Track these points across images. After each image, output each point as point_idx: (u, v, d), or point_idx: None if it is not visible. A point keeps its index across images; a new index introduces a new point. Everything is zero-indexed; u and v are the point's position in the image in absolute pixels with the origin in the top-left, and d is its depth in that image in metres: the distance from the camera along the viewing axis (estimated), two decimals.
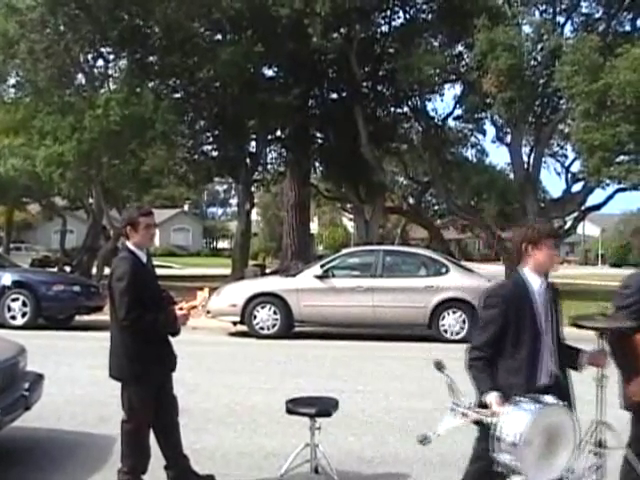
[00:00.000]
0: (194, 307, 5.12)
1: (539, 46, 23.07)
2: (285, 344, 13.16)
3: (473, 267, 18.02)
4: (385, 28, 27.13)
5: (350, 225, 53.07)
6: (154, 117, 21.79)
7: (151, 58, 25.34)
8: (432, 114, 28.61)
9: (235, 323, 14.38)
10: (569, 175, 29.00)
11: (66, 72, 24.32)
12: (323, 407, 5.36)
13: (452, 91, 43.81)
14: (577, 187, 27.17)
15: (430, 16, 26.19)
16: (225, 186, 72.00)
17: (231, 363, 11.17)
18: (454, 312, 13.91)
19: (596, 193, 25.93)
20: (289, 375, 9.87)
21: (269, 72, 27.76)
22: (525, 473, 3.38)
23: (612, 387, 4.40)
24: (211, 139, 29.16)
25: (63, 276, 20.55)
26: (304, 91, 25.52)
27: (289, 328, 14.18)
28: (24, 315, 14.30)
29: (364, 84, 27.02)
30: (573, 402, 3.98)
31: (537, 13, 25.04)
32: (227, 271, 27.84)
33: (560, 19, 25.45)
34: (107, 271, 7.00)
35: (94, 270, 25.98)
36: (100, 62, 25.87)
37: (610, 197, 26.42)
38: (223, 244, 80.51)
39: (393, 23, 26.89)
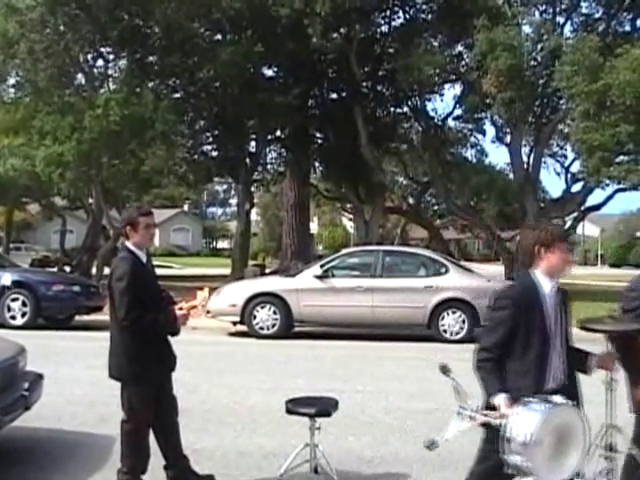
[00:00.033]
0: (194, 307, 5.12)
1: (539, 46, 23.07)
2: (285, 344, 13.16)
3: (473, 267, 18.01)
4: (385, 28, 27.14)
5: (350, 225, 53.07)
6: (154, 117, 21.79)
7: (151, 58, 25.34)
8: (432, 114, 28.63)
9: (235, 323, 14.38)
10: (569, 175, 29.00)
11: (66, 72, 24.32)
12: (323, 407, 5.37)
13: (452, 91, 43.86)
14: (577, 187, 27.18)
15: (430, 16, 26.19)
16: (225, 186, 72.04)
17: (231, 363, 11.17)
18: (454, 312, 13.91)
19: (596, 193, 25.95)
20: (289, 375, 9.87)
21: (269, 72, 27.80)
22: (536, 474, 3.36)
23: (622, 390, 4.38)
24: (211, 139, 29.16)
25: (63, 276, 20.55)
26: (304, 91, 25.53)
27: (289, 328, 14.18)
28: (24, 315, 14.30)
29: (364, 84, 27.03)
30: (581, 405, 3.96)
31: (537, 13, 25.06)
32: (227, 271, 27.84)
33: (560, 19, 25.47)
34: (107, 271, 7.00)
35: (94, 270, 25.98)
36: (100, 62, 25.94)
37: (610, 197, 26.45)
38: (223, 244, 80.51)
39: (393, 23, 26.92)
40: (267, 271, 27.43)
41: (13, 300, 14.34)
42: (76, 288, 15.14)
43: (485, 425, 3.67)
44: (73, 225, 46.06)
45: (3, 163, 24.39)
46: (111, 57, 26.00)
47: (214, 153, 29.14)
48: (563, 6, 25.54)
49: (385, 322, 14.05)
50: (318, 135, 29.69)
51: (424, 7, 26.48)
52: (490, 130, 28.59)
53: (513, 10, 23.39)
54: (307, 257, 26.46)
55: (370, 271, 14.37)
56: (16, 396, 5.57)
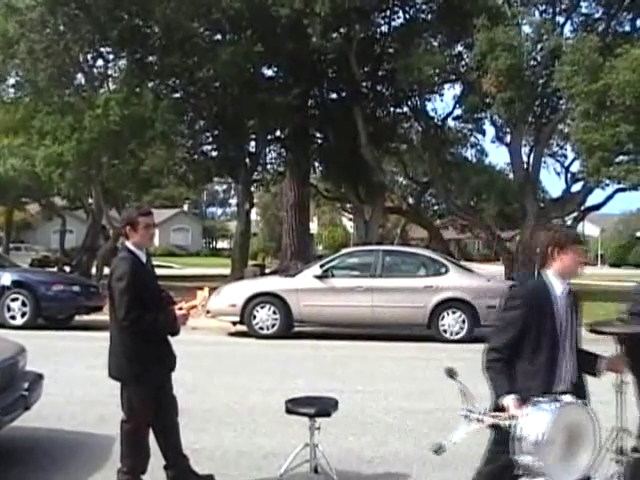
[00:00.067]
0: (194, 307, 5.12)
1: (539, 46, 23.06)
2: (284, 344, 13.16)
3: (473, 267, 18.02)
4: (385, 28, 27.13)
5: (349, 225, 53.12)
6: (154, 117, 21.79)
7: (151, 58, 25.34)
8: (432, 114, 28.63)
9: (235, 323, 14.38)
10: (569, 175, 29.01)
11: (66, 72, 24.32)
12: (322, 407, 5.37)
13: (452, 91, 43.90)
14: (577, 187, 27.18)
15: (430, 16, 26.19)
16: (225, 186, 72.00)
17: (230, 363, 11.18)
18: (453, 312, 13.91)
19: (595, 193, 25.96)
20: (288, 375, 9.87)
21: (269, 72, 27.80)
22: (548, 473, 3.34)
23: (632, 393, 4.36)
24: (211, 139, 29.16)
25: (62, 276, 20.56)
26: (304, 91, 25.52)
27: (288, 328, 14.18)
28: (24, 315, 14.31)
29: (364, 84, 27.02)
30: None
31: (537, 13, 25.06)
32: (227, 271, 27.83)
33: (560, 19, 25.47)
34: (107, 271, 7.00)
35: (94, 270, 25.99)
36: (100, 62, 25.95)
37: (609, 197, 26.45)
38: (222, 244, 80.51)
39: (393, 23, 26.92)
40: (267, 271, 27.43)
41: (13, 300, 14.34)
42: (76, 288, 15.14)
43: (494, 426, 3.65)
44: (73, 225, 46.07)
45: (3, 163, 24.40)
46: (111, 57, 26.01)
47: (214, 153, 29.14)
48: (563, 6, 25.54)
49: (385, 322, 14.05)
50: (318, 135, 29.69)
51: (424, 7, 26.48)
52: (490, 130, 28.64)
53: (513, 10, 23.38)
54: (307, 257, 26.46)
55: (370, 271, 14.37)
56: (16, 396, 5.57)
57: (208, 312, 14.00)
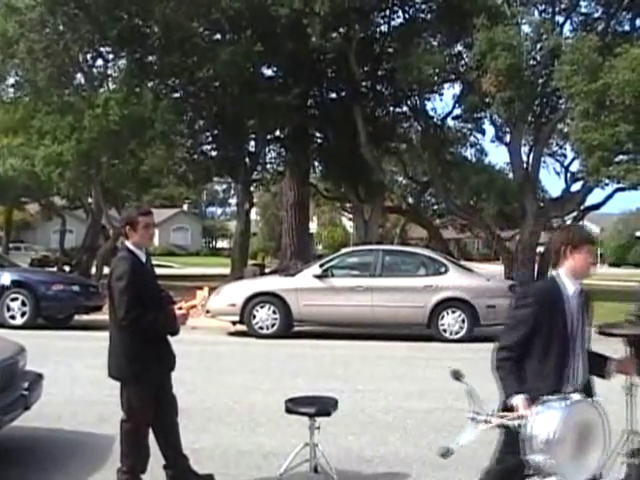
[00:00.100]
0: (193, 307, 5.12)
1: (538, 46, 23.06)
2: (284, 344, 13.16)
3: (472, 267, 18.03)
4: (384, 28, 27.12)
5: (349, 225, 53.07)
6: (153, 117, 21.79)
7: (150, 58, 25.33)
8: (431, 114, 28.62)
9: (234, 323, 14.39)
10: (568, 175, 29.01)
11: (65, 72, 24.31)
12: (322, 407, 5.37)
13: (451, 91, 43.87)
14: (576, 187, 27.17)
15: (429, 16, 26.19)
16: (224, 186, 71.86)
17: (230, 363, 11.18)
18: (453, 312, 13.91)
19: (595, 193, 25.97)
20: (288, 375, 9.87)
21: (268, 72, 27.79)
22: (559, 472, 3.31)
23: None
24: (210, 139, 29.15)
25: (62, 276, 20.57)
26: (303, 91, 25.52)
27: (288, 328, 14.19)
28: (23, 315, 14.31)
29: (363, 84, 27.02)
30: None
31: (536, 13, 25.04)
32: (226, 271, 27.83)
33: (559, 19, 25.46)
34: (106, 271, 7.00)
35: (93, 270, 25.99)
36: (99, 62, 25.93)
37: (609, 197, 26.47)
38: (222, 244, 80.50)
39: (392, 23, 26.90)
40: (266, 271, 27.43)
41: (13, 300, 14.35)
42: (75, 288, 15.15)
43: (503, 427, 3.61)
44: (72, 225, 46.05)
45: (2, 163, 24.40)
46: (110, 57, 26.00)
47: (213, 153, 29.13)
48: (562, 5, 25.53)
49: (385, 322, 14.05)
50: (317, 135, 29.69)
51: (423, 7, 26.48)
52: (489, 129, 28.62)
53: (512, 10, 23.38)
54: (306, 257, 26.46)
55: (370, 271, 14.37)
56: (16, 396, 5.57)
57: (208, 312, 14.00)
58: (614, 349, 4.38)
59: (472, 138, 30.48)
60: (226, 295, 14.48)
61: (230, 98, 24.63)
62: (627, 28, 25.10)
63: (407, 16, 26.64)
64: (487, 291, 14.18)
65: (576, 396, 3.52)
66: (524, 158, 26.88)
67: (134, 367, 4.87)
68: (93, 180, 23.60)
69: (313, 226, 52.65)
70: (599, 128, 20.23)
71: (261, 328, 13.98)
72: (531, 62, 23.13)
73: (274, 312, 14.01)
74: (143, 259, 5.01)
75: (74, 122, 21.72)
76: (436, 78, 25.26)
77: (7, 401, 5.43)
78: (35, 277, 15.35)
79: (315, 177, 33.56)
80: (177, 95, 26.25)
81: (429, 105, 44.56)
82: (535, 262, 26.80)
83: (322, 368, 10.61)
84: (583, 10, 26.05)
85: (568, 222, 29.33)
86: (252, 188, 30.51)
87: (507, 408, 3.66)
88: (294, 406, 5.38)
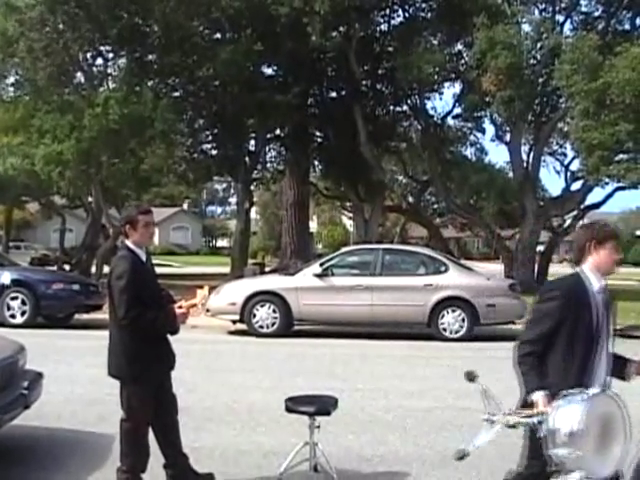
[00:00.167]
0: (193, 306, 5.11)
1: (538, 45, 23.10)
2: (284, 343, 13.15)
3: (472, 266, 18.03)
4: (384, 27, 27.16)
5: (349, 224, 53.06)
6: (153, 116, 21.79)
7: (150, 57, 25.34)
8: (431, 113, 28.69)
9: (234, 322, 14.38)
10: (568, 174, 29.06)
11: (65, 71, 24.31)
12: (322, 406, 5.36)
13: (451, 90, 43.88)
14: (576, 186, 27.23)
15: (429, 15, 26.21)
16: (224, 185, 71.92)
17: (230, 362, 11.18)
18: (453, 311, 13.90)
19: (595, 192, 26.04)
20: (288, 374, 9.87)
21: (268, 71, 27.80)
22: (585, 465, 3.25)
23: None
24: (210, 138, 29.17)
25: (62, 275, 20.54)
26: (303, 90, 25.53)
27: (288, 327, 14.18)
28: (23, 314, 14.29)
29: (363, 83, 27.04)
30: None
31: (536, 12, 25.10)
32: (226, 270, 27.83)
33: (559, 18, 25.50)
34: (106, 270, 6.99)
35: (93, 269, 25.99)
36: (99, 61, 25.94)
37: (609, 196, 26.51)
38: (222, 243, 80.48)
39: (392, 22, 26.95)
40: (267, 270, 27.43)
41: (13, 299, 14.33)
42: (75, 287, 15.13)
43: (521, 425, 3.51)
44: (72, 224, 46.06)
45: (2, 162, 24.39)
46: (110, 56, 26.01)
47: (214, 152, 29.15)
48: (563, 5, 25.57)
49: (385, 320, 14.04)
50: (318, 134, 29.71)
51: (423, 6, 26.50)
52: (490, 129, 28.67)
53: (513, 9, 23.41)
54: (306, 256, 26.47)
55: (370, 270, 14.36)
56: (16, 395, 5.57)
57: (208, 311, 13.98)
58: (634, 351, 4.34)
59: (472, 137, 30.56)
60: (226, 294, 14.46)
61: (230, 97, 24.64)
62: (627, 27, 25.13)
63: (407, 15, 26.67)
64: (487, 290, 14.17)
65: (595, 389, 3.48)
66: (524, 157, 26.93)
67: (134, 366, 4.86)
68: (93, 179, 23.60)
69: (313, 225, 52.65)
70: (599, 127, 20.25)
71: (261, 327, 13.97)
72: (531, 61, 23.17)
73: (274, 311, 14.00)
74: (143, 258, 5.01)
75: (74, 121, 21.72)
76: (436, 77, 25.29)
77: (7, 400, 5.42)
78: (35, 276, 15.33)
79: (315, 176, 33.58)
80: (177, 94, 26.27)
81: (429, 104, 44.70)
82: (535, 261, 26.84)
83: (322, 367, 10.60)
84: (583, 9, 26.13)
85: (568, 221, 29.39)
86: (252, 187, 30.54)
87: (527, 404, 3.61)
88: (294, 405, 5.37)
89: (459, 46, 26.14)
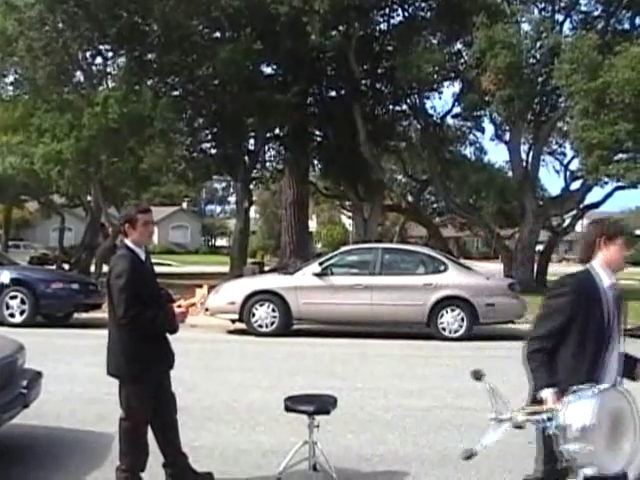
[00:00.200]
0: (193, 305, 5.11)
1: (538, 44, 23.08)
2: (284, 342, 13.15)
3: (472, 265, 18.03)
4: (384, 26, 27.15)
5: (349, 223, 53.05)
6: (153, 115, 21.78)
7: (150, 56, 25.33)
8: (431, 112, 28.68)
9: (234, 321, 14.37)
10: (568, 173, 29.06)
11: (64, 70, 24.30)
12: (322, 405, 5.36)
13: (451, 89, 43.77)
14: (576, 185, 27.22)
15: (429, 14, 26.21)
16: (224, 184, 71.96)
17: (229, 361, 11.17)
18: (453, 310, 13.90)
19: (595, 191, 26.05)
20: (287, 373, 9.87)
21: (268, 70, 27.80)
22: (597, 460, 3.23)
23: None
24: (210, 137, 29.16)
25: (61, 274, 20.54)
26: (303, 89, 25.52)
27: (288, 326, 14.18)
28: (22, 313, 14.29)
29: (363, 82, 27.03)
30: None
31: (536, 11, 25.08)
32: (225, 269, 27.83)
33: (559, 17, 25.48)
34: (105, 269, 6.99)
35: (92, 268, 25.98)
36: (99, 60, 25.93)
37: (609, 195, 26.50)
38: (221, 242, 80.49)
39: (392, 21, 26.94)
40: (266, 269, 27.43)
41: (12, 298, 14.33)
42: (75, 286, 15.13)
43: (531, 422, 3.48)
44: (72, 223, 46.07)
45: (2, 161, 24.38)
46: (110, 55, 26.00)
47: (213, 151, 29.15)
48: (562, 4, 25.56)
49: (384, 320, 14.04)
50: (317, 133, 29.71)
51: (423, 5, 26.49)
52: (489, 128, 28.66)
53: (512, 8, 23.40)
54: (306, 255, 26.47)
55: (369, 269, 14.36)
56: (15, 394, 5.56)
57: (207, 310, 13.98)
58: None
59: (471, 136, 30.57)
60: (225, 293, 14.46)
61: (229, 96, 24.63)
62: (627, 26, 25.12)
63: (407, 14, 26.66)
64: (486, 289, 14.18)
65: (605, 385, 3.46)
66: (523, 156, 26.93)
67: (133, 365, 4.86)
68: (92, 178, 23.59)
69: (312, 224, 52.67)
70: (599, 126, 20.25)
71: (260, 326, 13.97)
72: (531, 60, 23.16)
73: (273, 310, 14.00)
74: (142, 257, 5.01)
75: (73, 120, 21.71)
76: (435, 76, 25.28)
77: (6, 399, 5.42)
78: (34, 275, 15.33)
79: (314, 175, 33.58)
80: (176, 93, 26.27)
81: (428, 103, 44.71)
82: (534, 261, 26.85)
83: (321, 366, 10.60)
84: (583, 8, 26.12)
85: (567, 220, 29.40)
86: (251, 186, 30.54)
87: (536, 401, 3.59)
88: (293, 404, 5.37)
89: (458, 45, 26.14)
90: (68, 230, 42.47)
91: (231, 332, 14.50)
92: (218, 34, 26.15)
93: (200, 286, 5.22)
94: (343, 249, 16.43)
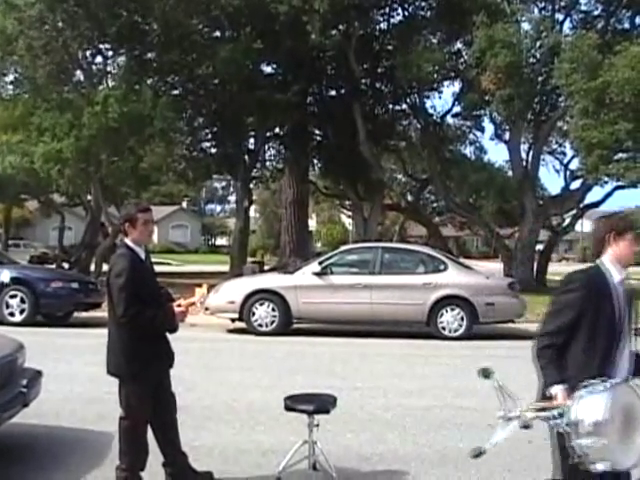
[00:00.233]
0: (192, 304, 5.11)
1: (538, 43, 23.07)
2: (283, 341, 13.16)
3: (471, 264, 18.03)
4: (384, 25, 27.15)
5: (348, 222, 53.04)
6: (153, 114, 21.78)
7: (149, 55, 25.33)
8: (431, 111, 28.69)
9: (233, 320, 14.38)
10: (567, 173, 29.06)
11: (64, 69, 24.30)
12: (321, 404, 5.37)
13: (451, 88, 43.70)
14: (576, 184, 27.22)
15: (429, 13, 26.21)
16: (223, 183, 72.04)
17: (229, 360, 11.17)
18: (452, 309, 13.90)
19: (595, 191, 26.07)
20: (287, 372, 9.87)
21: (268, 69, 27.82)
22: (610, 455, 3.20)
23: None
24: (210, 136, 29.17)
25: (61, 273, 20.54)
26: (303, 88, 25.53)
27: (287, 325, 14.18)
28: (22, 312, 14.29)
29: (363, 81, 27.03)
30: None
31: (536, 10, 25.08)
32: (225, 268, 27.84)
33: (559, 16, 25.48)
34: (105, 268, 6.98)
35: (92, 267, 25.98)
36: (99, 59, 25.92)
37: (609, 194, 26.49)
38: (221, 241, 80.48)
39: (392, 20, 26.94)
40: (266, 268, 27.44)
41: (12, 297, 14.33)
42: (75, 285, 15.13)
43: (541, 419, 3.45)
44: (72, 222, 46.07)
45: (1, 160, 24.35)
46: (110, 54, 25.99)
47: (213, 150, 29.16)
48: (562, 3, 25.55)
49: (384, 319, 14.05)
50: (317, 132, 29.71)
51: (423, 4, 26.50)
52: (489, 127, 28.67)
53: (512, 7, 23.39)
54: (306, 254, 26.47)
55: (369, 268, 14.36)
56: (15, 393, 5.56)
57: (207, 309, 13.99)
58: None
59: (471, 136, 30.60)
60: (225, 292, 14.46)
61: (229, 95, 24.63)
62: (627, 26, 25.11)
63: (407, 13, 26.66)
64: (486, 289, 14.18)
65: (616, 379, 3.44)
66: (523, 156, 26.93)
67: (133, 364, 4.86)
68: (92, 177, 23.58)
69: (312, 224, 52.68)
70: (598, 126, 20.25)
71: (260, 325, 13.97)
72: (531, 60, 23.15)
73: (273, 309, 14.01)
74: (142, 256, 5.01)
75: (73, 119, 21.71)
76: (435, 76, 25.28)
77: (6, 398, 5.42)
78: (34, 274, 15.33)
79: (314, 175, 33.59)
80: (176, 92, 26.27)
81: (428, 103, 44.79)
82: (534, 260, 26.86)
83: (321, 365, 10.60)
84: (583, 8, 26.11)
85: (567, 220, 29.41)
86: (251, 185, 30.54)
87: (546, 397, 3.57)
88: (293, 403, 5.37)
89: (458, 45, 26.15)
90: (68, 229, 42.48)
91: (231, 331, 14.50)
92: (218, 33, 26.16)
93: (200, 285, 5.22)
94: (343, 248, 16.43)
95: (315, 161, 30.68)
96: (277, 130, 28.96)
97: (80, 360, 10.04)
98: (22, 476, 5.42)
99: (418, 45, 23.64)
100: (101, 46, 25.35)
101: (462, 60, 25.81)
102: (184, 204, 79.59)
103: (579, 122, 21.19)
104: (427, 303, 13.88)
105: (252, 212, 42.10)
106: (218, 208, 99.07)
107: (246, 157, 27.74)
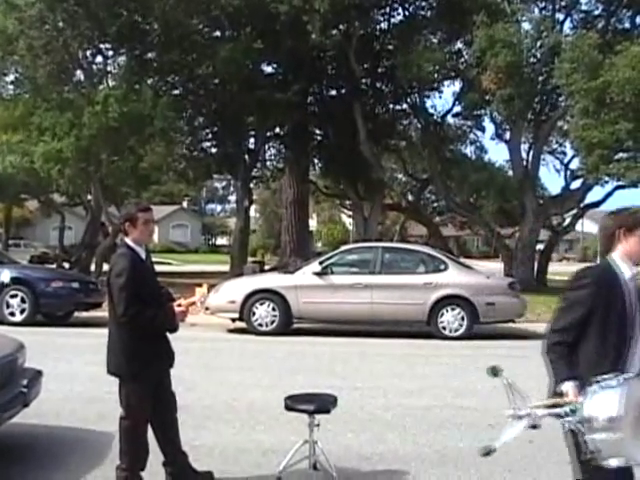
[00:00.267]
0: (193, 303, 5.11)
1: (538, 43, 23.06)
2: (284, 341, 13.16)
3: (472, 264, 18.03)
4: (384, 25, 27.14)
5: (349, 222, 53.07)
6: (153, 114, 21.77)
7: (150, 55, 25.33)
8: (431, 111, 28.69)
9: (234, 320, 14.38)
10: (568, 172, 29.04)
11: (65, 68, 24.29)
12: (322, 404, 5.37)
13: (451, 88, 43.79)
14: (576, 184, 27.20)
15: (429, 13, 26.21)
16: (224, 183, 71.97)
17: (229, 360, 11.17)
18: (453, 309, 13.90)
19: (595, 190, 26.04)
20: (288, 372, 9.87)
21: (268, 69, 27.81)
22: (624, 450, 3.17)
23: None
24: (210, 136, 29.17)
25: (62, 273, 20.54)
26: (303, 88, 25.52)
27: (288, 325, 14.18)
28: (23, 312, 14.29)
29: (363, 81, 27.03)
30: None
31: (536, 10, 25.06)
32: (226, 268, 27.83)
33: (559, 16, 25.46)
34: (106, 267, 6.99)
35: (93, 267, 25.98)
36: (99, 58, 25.91)
37: (609, 194, 26.46)
38: (222, 241, 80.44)
39: (392, 20, 26.93)
40: (266, 268, 27.44)
41: (12, 297, 14.33)
42: (75, 285, 15.13)
43: (551, 416, 3.41)
44: (72, 222, 46.06)
45: (2, 160, 24.34)
46: (110, 53, 25.99)
47: (213, 150, 29.16)
48: (563, 3, 25.54)
49: (384, 319, 14.05)
50: (317, 132, 29.71)
51: (423, 4, 26.49)
52: (489, 127, 28.74)
53: (512, 7, 23.37)
54: (306, 254, 26.47)
55: (369, 268, 14.36)
56: (15, 393, 5.56)
57: (207, 309, 13.98)
58: None
59: (472, 135, 30.59)
60: (225, 292, 14.46)
61: (230, 95, 24.63)
62: (627, 26, 25.10)
63: (407, 13, 26.66)
64: (486, 288, 14.18)
65: (628, 374, 3.41)
66: (524, 156, 26.92)
67: (133, 364, 4.86)
68: (92, 177, 23.58)
69: (313, 223, 52.66)
70: (599, 126, 20.24)
71: (260, 325, 13.98)
72: (531, 59, 23.14)
73: (273, 309, 14.01)
74: (143, 256, 5.00)
75: (73, 119, 21.70)
76: (436, 75, 25.27)
77: (6, 398, 5.42)
78: (34, 274, 15.34)
79: (315, 174, 33.58)
80: (177, 92, 26.27)
81: (429, 102, 44.85)
82: (535, 260, 26.86)
83: (321, 365, 10.60)
84: (583, 7, 26.09)
85: (568, 220, 29.41)
86: (252, 185, 30.54)
87: (556, 394, 3.55)
88: (293, 403, 5.37)
89: (459, 44, 26.13)
90: (68, 229, 42.47)
91: (231, 331, 14.50)
92: (218, 33, 26.15)
93: (200, 285, 5.22)
94: (343, 248, 16.42)
95: (315, 161, 30.68)
96: (277, 130, 28.96)
97: (80, 360, 10.04)
98: (22, 476, 5.42)
99: (418, 45, 23.63)
100: (101, 46, 25.34)
101: (462, 60, 25.81)
102: (184, 204, 79.56)
103: (579, 122, 21.19)
104: (427, 303, 13.88)
105: (252, 212, 42.12)
106: (218, 208, 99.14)
107: (246, 157, 27.74)
